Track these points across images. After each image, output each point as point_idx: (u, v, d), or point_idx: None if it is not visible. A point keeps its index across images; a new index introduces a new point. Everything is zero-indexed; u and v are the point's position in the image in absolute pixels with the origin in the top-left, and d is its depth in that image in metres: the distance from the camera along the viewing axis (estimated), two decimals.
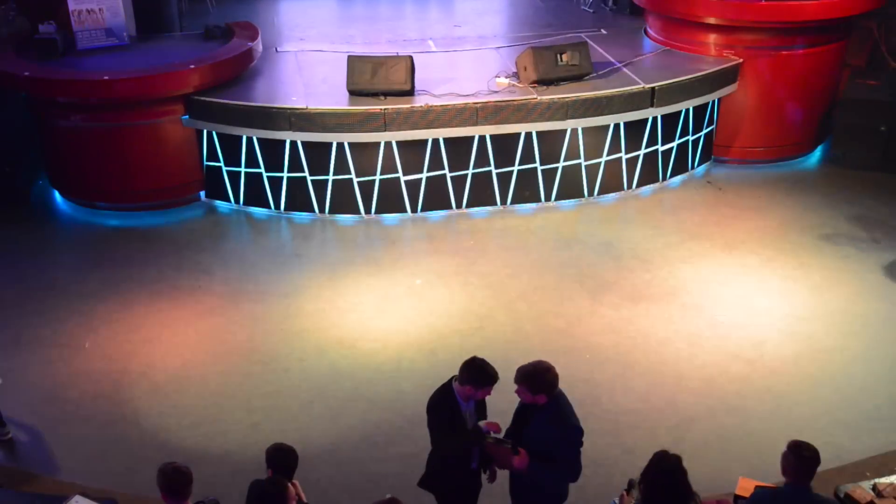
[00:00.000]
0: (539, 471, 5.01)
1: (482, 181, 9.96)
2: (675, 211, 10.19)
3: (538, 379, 4.90)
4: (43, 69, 9.61)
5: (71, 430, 6.89)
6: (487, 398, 5.28)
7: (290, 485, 4.75)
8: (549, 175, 10.05)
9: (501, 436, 5.25)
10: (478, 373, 5.03)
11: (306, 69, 10.53)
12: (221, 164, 10.00)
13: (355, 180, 9.77)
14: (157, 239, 9.60)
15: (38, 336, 7.98)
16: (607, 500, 5.55)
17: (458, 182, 9.93)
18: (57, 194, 10.42)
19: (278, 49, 11.29)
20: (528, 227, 9.83)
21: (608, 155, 10.14)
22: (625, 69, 10.28)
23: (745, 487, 5.31)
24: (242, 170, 9.93)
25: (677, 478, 4.41)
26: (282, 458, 5.00)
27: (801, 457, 4.52)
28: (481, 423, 5.15)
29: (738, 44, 10.49)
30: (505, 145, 9.80)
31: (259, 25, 11.10)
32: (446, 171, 9.84)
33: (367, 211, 9.93)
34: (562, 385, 7.37)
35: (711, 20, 10.44)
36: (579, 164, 10.08)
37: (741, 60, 10.46)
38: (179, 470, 4.57)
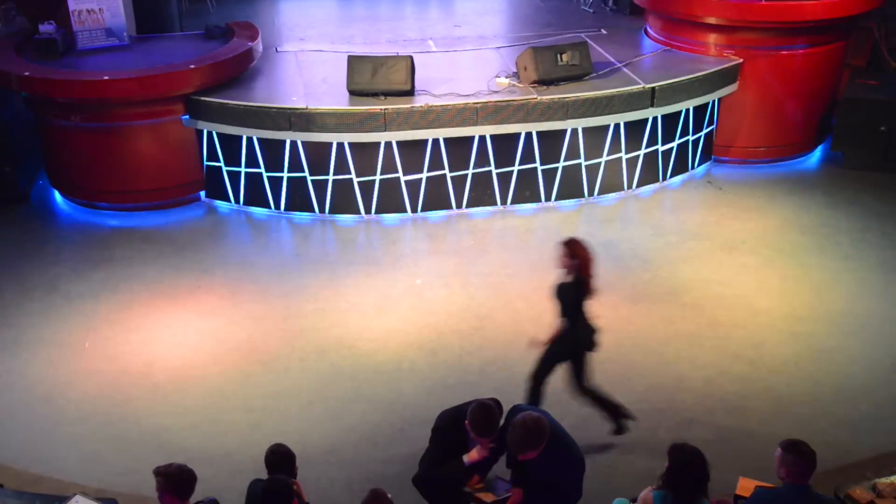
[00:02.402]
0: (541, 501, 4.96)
1: (482, 181, 9.96)
2: (675, 211, 10.19)
3: (536, 435, 4.71)
4: (43, 69, 9.61)
5: (71, 430, 6.89)
6: None
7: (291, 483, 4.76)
8: (549, 175, 10.05)
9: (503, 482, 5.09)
10: (477, 417, 4.83)
11: (306, 69, 10.53)
12: (221, 164, 10.00)
13: (355, 180, 9.77)
14: (157, 239, 9.59)
15: (38, 336, 7.98)
16: (607, 501, 5.55)
17: (458, 182, 9.93)
18: (57, 194, 10.43)
19: (278, 49, 11.29)
20: (528, 227, 9.83)
21: (608, 155, 10.14)
22: (625, 69, 10.28)
23: (745, 487, 5.31)
24: (242, 170, 9.93)
25: (702, 467, 4.47)
26: (279, 461, 5.00)
27: (802, 453, 4.52)
28: (465, 458, 4.94)
29: (738, 44, 10.49)
30: (505, 145, 9.80)
31: (259, 25, 11.10)
32: (446, 171, 9.84)
33: (367, 211, 9.93)
34: (562, 385, 7.39)
35: (711, 20, 10.44)
36: (579, 164, 10.08)
37: (741, 60, 10.46)
38: (184, 468, 4.59)
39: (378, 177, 9.76)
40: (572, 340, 6.27)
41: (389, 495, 4.74)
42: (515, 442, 4.69)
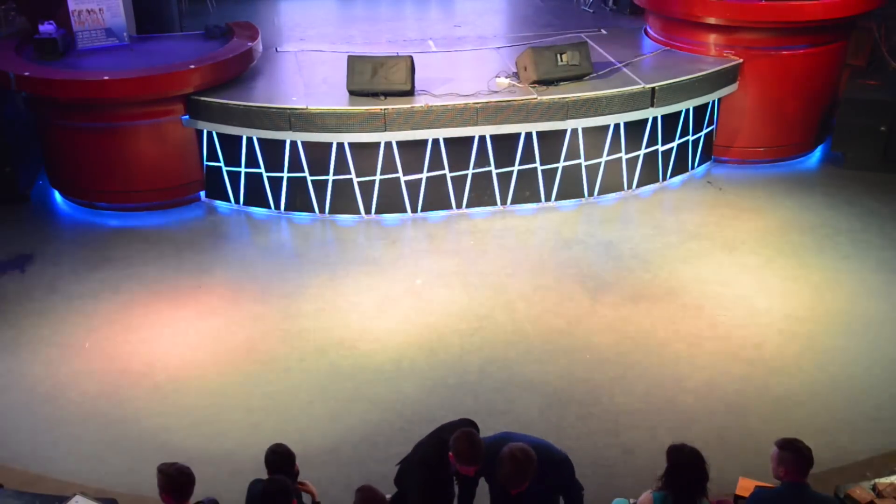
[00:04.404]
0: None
1: (482, 181, 9.96)
2: (675, 211, 10.19)
3: (529, 468, 4.55)
4: (43, 69, 9.61)
5: (71, 430, 6.89)
6: None
7: (292, 484, 4.75)
8: (549, 175, 10.05)
9: None
10: (462, 448, 4.69)
11: (306, 69, 10.53)
12: (221, 164, 10.00)
13: (355, 180, 9.77)
14: (157, 239, 9.59)
15: (38, 336, 7.98)
16: (607, 500, 5.56)
17: (458, 182, 9.93)
18: (57, 194, 10.43)
19: (278, 49, 11.29)
20: (528, 227, 9.83)
21: (608, 155, 10.14)
22: (625, 69, 10.28)
23: (745, 487, 5.31)
24: (242, 170, 9.93)
25: (702, 467, 4.46)
26: (278, 461, 4.99)
27: (798, 451, 4.53)
28: None
29: (739, 44, 10.49)
30: (505, 145, 9.80)
31: (259, 25, 11.10)
32: (446, 171, 9.84)
33: (367, 211, 9.93)
34: (562, 385, 7.41)
35: (711, 20, 10.44)
36: (579, 164, 10.08)
37: (741, 60, 10.46)
38: (183, 471, 4.58)
39: (378, 177, 9.76)
40: None
41: (388, 495, 4.75)
42: (510, 478, 4.56)
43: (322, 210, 9.95)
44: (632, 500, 5.26)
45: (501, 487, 4.71)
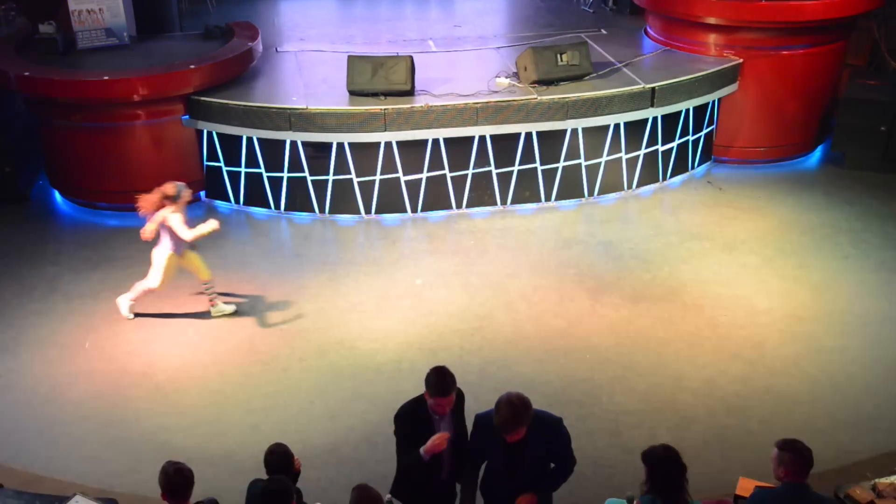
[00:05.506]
0: (552, 486, 4.98)
1: (482, 181, 9.96)
2: (675, 211, 10.19)
3: (525, 412, 4.65)
4: (43, 69, 9.62)
5: (71, 430, 6.89)
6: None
7: (292, 483, 4.75)
8: (549, 175, 10.05)
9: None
10: (431, 379, 4.90)
11: (306, 69, 10.53)
12: (221, 164, 10.00)
13: (355, 180, 9.77)
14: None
15: (38, 336, 7.98)
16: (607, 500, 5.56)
17: (458, 182, 9.93)
18: (57, 194, 10.43)
19: (278, 49, 11.30)
20: (528, 227, 9.83)
21: (608, 155, 10.14)
22: (625, 69, 10.28)
23: (745, 487, 5.31)
24: (242, 170, 9.93)
25: (678, 460, 4.47)
26: (277, 461, 4.99)
27: (799, 451, 4.52)
28: (422, 451, 4.91)
29: (738, 44, 10.50)
30: (505, 145, 9.80)
31: (259, 25, 11.11)
32: (446, 171, 9.84)
33: (367, 211, 9.93)
34: (562, 385, 7.41)
35: (711, 20, 10.45)
36: (579, 164, 10.08)
37: (741, 60, 10.46)
38: (182, 471, 4.58)
39: (378, 177, 9.76)
40: None
41: (387, 495, 4.74)
42: (507, 421, 4.63)
43: (322, 210, 9.95)
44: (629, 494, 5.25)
45: (502, 446, 4.73)
